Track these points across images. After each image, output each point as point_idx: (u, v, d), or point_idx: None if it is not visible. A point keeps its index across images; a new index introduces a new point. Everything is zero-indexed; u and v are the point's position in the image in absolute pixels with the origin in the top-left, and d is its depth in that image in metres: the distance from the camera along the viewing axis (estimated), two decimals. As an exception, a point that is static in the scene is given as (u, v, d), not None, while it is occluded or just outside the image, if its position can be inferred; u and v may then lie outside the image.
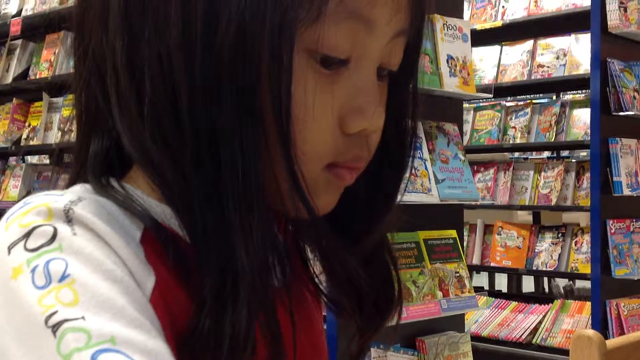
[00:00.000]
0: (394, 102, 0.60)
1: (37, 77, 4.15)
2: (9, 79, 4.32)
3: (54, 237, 0.48)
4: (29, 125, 4.20)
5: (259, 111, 0.51)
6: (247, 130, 0.51)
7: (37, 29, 4.28)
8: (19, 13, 4.32)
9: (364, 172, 0.59)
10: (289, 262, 0.61)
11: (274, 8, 0.50)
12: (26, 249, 0.48)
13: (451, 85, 2.51)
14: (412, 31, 0.57)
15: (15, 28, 4.04)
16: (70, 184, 0.57)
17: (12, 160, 4.74)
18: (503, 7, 4.62)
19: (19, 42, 4.37)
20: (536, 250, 4.32)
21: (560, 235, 4.29)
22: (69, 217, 0.49)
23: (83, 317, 0.44)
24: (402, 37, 0.57)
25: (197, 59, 0.51)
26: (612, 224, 3.40)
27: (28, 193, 4.33)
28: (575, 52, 4.34)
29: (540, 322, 4.19)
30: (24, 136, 4.17)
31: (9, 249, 0.48)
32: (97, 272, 0.47)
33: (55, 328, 0.44)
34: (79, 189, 0.54)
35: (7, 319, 0.46)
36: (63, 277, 0.46)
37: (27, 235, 0.48)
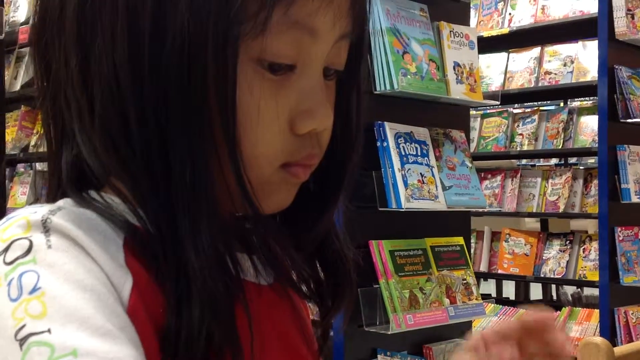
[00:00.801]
0: (341, 100, 0.63)
1: (45, 84, 4.15)
2: (17, 87, 4.34)
3: (29, 249, 0.51)
4: (37, 132, 4.21)
5: (207, 119, 0.54)
6: (194, 137, 0.54)
7: (45, 36, 4.29)
8: (27, 21, 4.34)
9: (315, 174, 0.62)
10: (272, 261, 0.63)
11: (217, 23, 0.53)
12: (4, 262, 0.50)
13: (458, 92, 2.51)
14: (354, 33, 0.60)
15: (23, 36, 4.05)
16: (49, 194, 0.60)
17: (20, 167, 4.76)
18: (510, 14, 4.61)
19: (27, 49, 4.39)
20: (544, 258, 4.31)
21: (568, 242, 4.28)
22: (46, 227, 0.52)
23: (49, 330, 0.47)
24: (345, 39, 0.60)
25: (145, 73, 0.54)
26: (620, 231, 3.39)
27: (36, 200, 4.36)
28: (583, 59, 4.34)
29: (548, 330, 4.17)
30: (32, 143, 4.19)
31: None
32: (68, 283, 0.49)
33: (22, 342, 0.47)
34: (61, 201, 0.56)
35: None
36: (34, 290, 0.49)
37: (6, 249, 0.51)
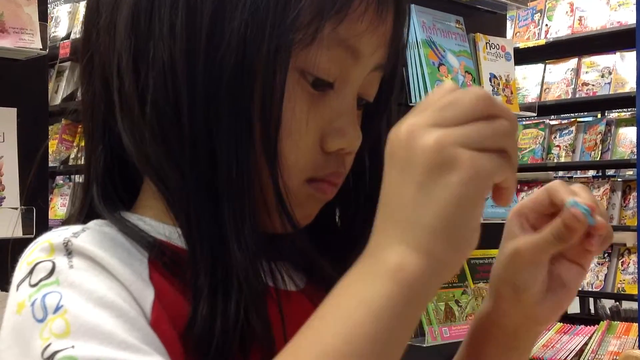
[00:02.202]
0: (370, 131, 0.64)
1: (85, 98, 4.22)
2: (58, 100, 4.42)
3: (52, 271, 0.53)
4: (77, 145, 4.26)
5: (251, 124, 0.56)
6: (241, 141, 0.56)
7: (85, 51, 4.37)
8: (67, 36, 4.43)
9: (343, 201, 0.64)
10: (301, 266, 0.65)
11: (274, 29, 0.55)
12: (29, 285, 0.53)
13: (494, 104, 2.50)
14: (388, 68, 0.62)
15: (64, 51, 4.13)
16: (82, 204, 0.62)
17: (60, 179, 4.83)
18: (546, 25, 4.59)
19: (67, 64, 4.47)
20: (582, 271, 4.25)
21: (606, 255, 4.22)
22: (68, 249, 0.54)
23: (73, 346, 0.49)
24: (379, 71, 0.62)
25: (199, 68, 0.55)
26: (659, 244, 3.34)
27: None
28: (621, 69, 4.29)
29: (586, 344, 4.12)
30: (72, 156, 4.26)
31: (17, 286, 0.54)
32: (89, 301, 0.51)
33: (50, 359, 0.49)
34: (90, 223, 0.58)
35: (15, 351, 0.51)
36: (57, 309, 0.51)
37: (31, 272, 0.54)
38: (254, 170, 0.56)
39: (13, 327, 0.52)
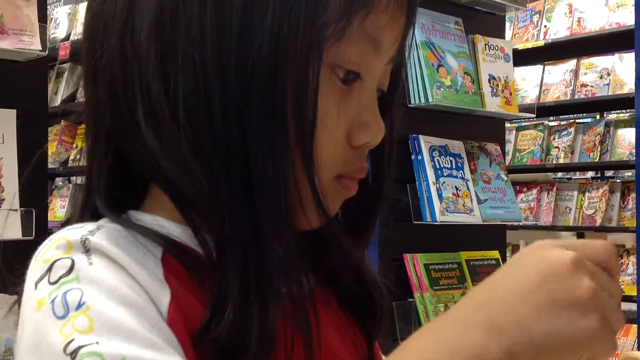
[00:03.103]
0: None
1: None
2: (57, 102, 4.42)
3: (71, 268, 0.53)
4: (77, 146, 4.29)
5: (286, 122, 0.55)
6: (275, 137, 0.55)
7: (84, 52, 4.37)
8: (67, 37, 4.43)
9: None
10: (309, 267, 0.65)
11: (307, 26, 0.55)
12: (49, 283, 0.52)
13: (493, 105, 2.51)
14: (397, 60, 0.64)
15: (63, 52, 4.14)
16: (83, 212, 0.61)
17: (59, 180, 4.84)
18: (545, 26, 4.59)
19: (67, 65, 4.48)
20: (581, 272, 4.26)
21: (605, 256, 4.22)
22: (86, 247, 0.54)
23: (97, 342, 0.49)
24: (391, 63, 0.63)
25: (231, 69, 0.55)
26: (658, 245, 3.34)
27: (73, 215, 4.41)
28: (620, 71, 4.30)
29: (585, 345, 4.11)
30: (72, 157, 4.27)
31: (36, 284, 0.53)
32: (111, 298, 0.51)
33: (73, 355, 0.48)
34: (102, 220, 0.58)
35: (34, 349, 0.51)
36: (79, 306, 0.50)
37: (49, 269, 0.53)
38: (289, 168, 0.56)
39: (32, 324, 0.52)
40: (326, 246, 0.65)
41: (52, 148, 4.37)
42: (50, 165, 4.37)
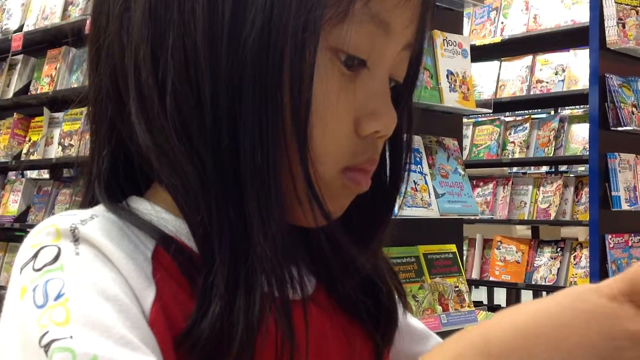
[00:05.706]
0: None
1: (38, 92, 4.15)
2: (10, 94, 4.33)
3: (57, 257, 0.51)
4: (30, 140, 4.20)
5: (280, 108, 0.52)
6: (267, 125, 0.52)
7: (38, 44, 4.30)
8: (20, 28, 4.34)
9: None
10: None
11: (301, 5, 0.51)
12: (34, 269, 0.51)
13: (451, 100, 2.53)
14: (415, 46, 0.59)
15: (16, 43, 4.05)
16: (83, 201, 0.59)
17: (12, 174, 4.74)
18: (502, 23, 4.64)
19: (20, 57, 4.38)
20: (535, 265, 4.32)
21: (559, 249, 4.29)
22: (75, 236, 0.52)
23: (71, 337, 0.47)
24: (408, 50, 0.59)
25: (222, 53, 0.52)
26: (610, 239, 3.41)
27: (28, 208, 4.33)
28: (574, 67, 4.36)
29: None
30: (25, 151, 4.18)
31: (21, 269, 0.51)
32: (92, 291, 0.49)
33: (46, 347, 0.47)
34: (97, 208, 0.56)
35: (14, 336, 0.49)
36: (58, 296, 0.49)
37: (35, 256, 0.51)
38: (284, 158, 0.53)
39: (15, 312, 0.50)
40: (331, 248, 0.61)
41: (4, 142, 4.28)
42: (1, 159, 4.28)
